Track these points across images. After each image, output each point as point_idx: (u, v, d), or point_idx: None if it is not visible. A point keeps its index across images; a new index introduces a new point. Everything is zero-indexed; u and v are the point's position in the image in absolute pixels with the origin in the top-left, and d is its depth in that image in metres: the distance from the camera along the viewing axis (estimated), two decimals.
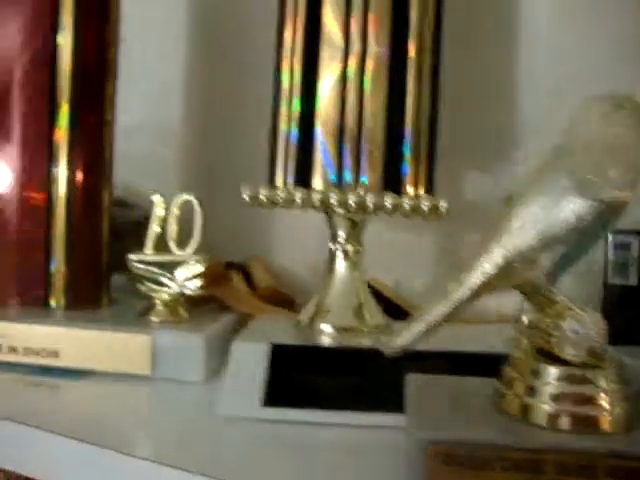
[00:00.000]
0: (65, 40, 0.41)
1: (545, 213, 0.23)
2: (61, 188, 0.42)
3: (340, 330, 0.35)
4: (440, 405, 0.24)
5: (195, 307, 0.42)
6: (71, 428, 0.29)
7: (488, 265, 0.23)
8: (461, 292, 0.24)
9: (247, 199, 0.34)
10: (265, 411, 0.29)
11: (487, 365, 0.26)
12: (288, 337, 0.34)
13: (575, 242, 0.23)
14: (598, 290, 0.43)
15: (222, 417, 0.30)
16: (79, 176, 0.42)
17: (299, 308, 0.51)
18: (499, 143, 0.50)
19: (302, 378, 0.31)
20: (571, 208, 0.22)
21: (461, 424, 0.23)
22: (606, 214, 0.23)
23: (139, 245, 0.40)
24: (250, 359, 0.31)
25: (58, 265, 0.42)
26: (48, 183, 0.41)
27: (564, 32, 0.49)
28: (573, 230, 0.23)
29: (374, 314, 0.37)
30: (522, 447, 0.21)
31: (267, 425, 0.29)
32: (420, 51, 0.35)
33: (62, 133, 0.41)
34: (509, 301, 0.27)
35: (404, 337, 0.24)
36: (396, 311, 0.50)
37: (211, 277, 0.46)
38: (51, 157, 0.41)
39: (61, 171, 0.41)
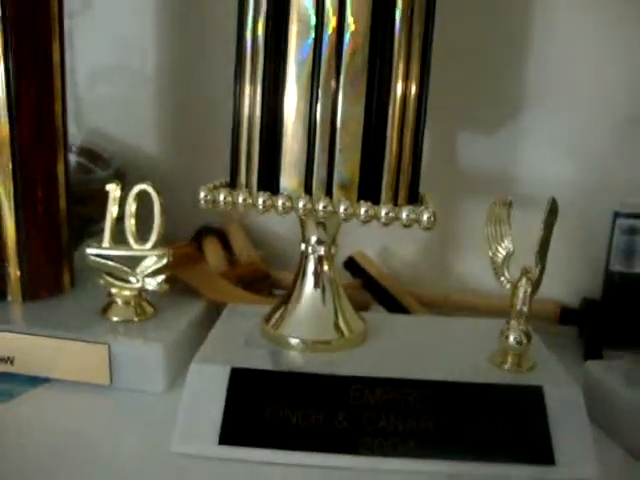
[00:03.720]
0: None
1: None
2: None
3: (312, 345, 0.34)
4: None
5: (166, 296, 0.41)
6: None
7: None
8: None
9: (203, 203, 0.32)
10: (221, 450, 0.29)
11: None
12: (252, 355, 0.33)
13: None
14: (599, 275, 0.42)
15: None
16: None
17: (274, 283, 0.51)
18: (501, 110, 0.47)
19: (264, 409, 0.30)
20: None
21: None
22: None
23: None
24: (208, 386, 0.30)
25: (9, 251, 0.41)
26: None
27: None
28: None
29: (351, 323, 0.36)
30: None
31: (223, 463, 0.29)
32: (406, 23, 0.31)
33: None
34: None
35: None
36: (379, 291, 0.49)
37: (181, 258, 0.45)
38: None
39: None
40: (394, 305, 0.48)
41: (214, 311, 0.43)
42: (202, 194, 0.32)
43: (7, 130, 0.39)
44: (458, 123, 0.48)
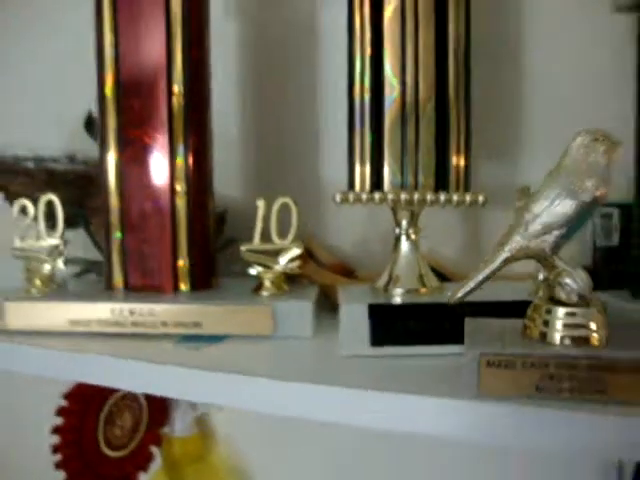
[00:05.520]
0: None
1: (547, 211, 0.39)
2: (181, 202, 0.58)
3: (409, 292, 0.52)
4: (487, 335, 0.41)
5: (291, 282, 0.59)
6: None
7: (512, 246, 0.40)
8: (496, 263, 0.41)
9: (338, 200, 0.51)
10: (373, 350, 0.47)
11: (518, 309, 0.43)
12: (374, 299, 0.51)
13: (568, 227, 0.39)
14: (589, 250, 0.60)
15: (341, 356, 0.47)
16: (192, 192, 0.59)
17: (357, 276, 0.69)
18: (515, 138, 0.66)
19: (394, 325, 0.48)
20: (564, 206, 0.39)
21: (500, 344, 0.40)
22: (586, 208, 0.39)
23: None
24: (356, 315, 0.48)
25: (183, 259, 0.59)
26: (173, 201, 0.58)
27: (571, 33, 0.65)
28: (566, 220, 0.39)
29: (432, 279, 0.54)
30: (535, 354, 0.38)
31: (375, 360, 0.47)
32: (456, 59, 0.51)
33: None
34: (529, 266, 0.44)
35: (460, 292, 0.41)
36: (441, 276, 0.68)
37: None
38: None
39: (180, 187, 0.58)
40: None
41: (322, 293, 0.61)
42: (338, 197, 0.51)
43: None
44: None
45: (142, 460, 0.80)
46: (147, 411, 0.80)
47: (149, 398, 0.80)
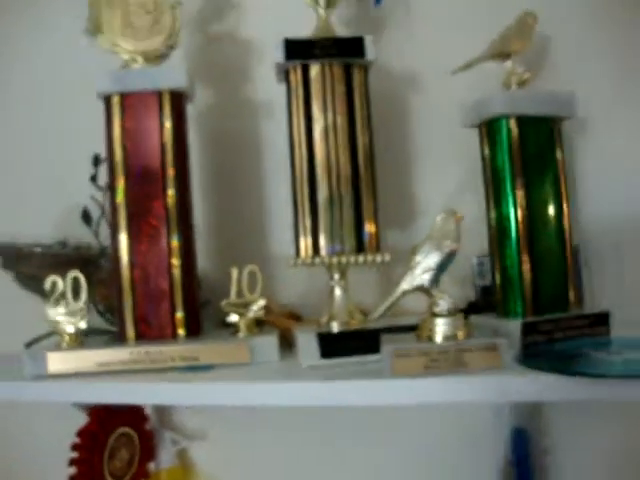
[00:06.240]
0: None
1: (423, 260, 0.65)
2: (176, 272, 0.81)
3: (342, 324, 0.77)
4: (395, 340, 0.66)
5: (258, 327, 0.82)
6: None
7: (405, 286, 0.66)
8: (396, 294, 0.66)
9: (292, 264, 0.76)
10: (322, 360, 0.71)
11: (412, 329, 0.68)
12: (320, 329, 0.75)
13: (436, 270, 0.65)
14: (472, 288, 0.87)
15: (301, 367, 0.71)
16: (184, 264, 0.82)
17: (303, 320, 0.93)
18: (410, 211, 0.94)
19: (335, 344, 0.72)
20: (433, 257, 0.65)
21: (404, 343, 0.64)
22: (446, 258, 0.65)
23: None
24: (309, 340, 0.72)
25: (180, 312, 0.81)
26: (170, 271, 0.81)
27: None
28: (435, 266, 0.65)
29: (357, 315, 0.78)
30: (425, 347, 0.63)
31: (324, 367, 0.70)
32: (365, 161, 0.78)
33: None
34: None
35: (377, 313, 0.66)
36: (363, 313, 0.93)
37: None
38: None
39: (176, 261, 0.81)
40: None
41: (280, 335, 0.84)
42: (291, 262, 0.76)
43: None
44: None
45: None
46: (139, 448, 0.99)
47: (141, 437, 1.00)
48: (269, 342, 0.77)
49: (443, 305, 0.65)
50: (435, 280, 0.66)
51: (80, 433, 0.90)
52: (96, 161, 0.95)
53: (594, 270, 0.94)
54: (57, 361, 0.77)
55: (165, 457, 1.02)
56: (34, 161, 1.08)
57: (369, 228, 0.79)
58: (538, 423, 0.93)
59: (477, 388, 0.61)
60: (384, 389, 0.63)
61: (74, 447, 0.89)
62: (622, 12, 0.95)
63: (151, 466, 1.02)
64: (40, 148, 1.08)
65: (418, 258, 0.66)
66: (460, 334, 0.64)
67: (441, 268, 0.66)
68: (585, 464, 0.92)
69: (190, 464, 1.05)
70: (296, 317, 0.94)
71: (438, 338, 0.64)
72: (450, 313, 0.65)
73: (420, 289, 0.66)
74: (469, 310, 0.88)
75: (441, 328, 0.65)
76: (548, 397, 0.62)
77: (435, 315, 0.65)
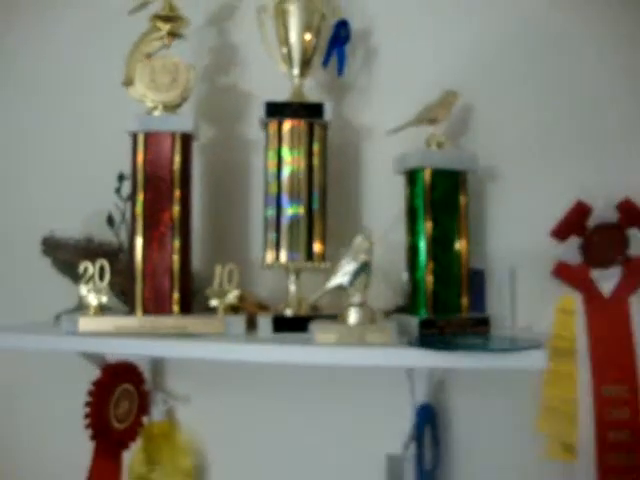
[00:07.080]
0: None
1: (344, 266, 0.96)
2: (176, 265, 1.12)
3: (294, 311, 1.07)
4: (322, 322, 0.97)
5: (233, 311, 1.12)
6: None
7: (333, 281, 0.97)
8: (327, 288, 0.97)
9: (262, 266, 1.07)
10: (274, 335, 1.01)
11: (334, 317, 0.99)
12: (276, 314, 1.06)
13: (353, 274, 0.96)
14: (400, 295, 1.18)
15: (259, 337, 1.01)
16: (182, 260, 1.12)
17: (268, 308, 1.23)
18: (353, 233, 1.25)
19: (285, 324, 1.03)
20: (350, 265, 0.96)
21: (325, 324, 0.95)
22: (360, 266, 0.96)
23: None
24: (267, 322, 1.03)
25: (176, 294, 1.12)
26: (171, 264, 1.12)
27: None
28: (351, 271, 0.96)
29: (305, 305, 1.09)
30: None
31: (275, 338, 1.01)
32: (319, 192, 1.09)
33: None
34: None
35: (312, 299, 0.98)
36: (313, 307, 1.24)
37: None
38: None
39: (176, 257, 1.12)
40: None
41: (249, 318, 1.14)
42: (262, 265, 1.07)
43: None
44: None
45: (133, 433, 1.28)
46: (137, 403, 1.29)
47: (139, 394, 1.30)
48: (239, 320, 1.08)
49: (355, 299, 0.95)
50: (352, 281, 0.97)
51: (95, 383, 1.20)
52: (120, 178, 1.27)
53: (494, 287, 1.24)
54: (86, 323, 1.07)
55: (156, 413, 1.32)
56: (73, 174, 1.40)
57: (318, 243, 1.10)
58: (442, 399, 1.23)
59: (371, 355, 0.92)
60: (311, 352, 0.93)
61: (90, 393, 1.19)
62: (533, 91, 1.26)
63: (145, 419, 1.32)
64: (78, 164, 1.40)
65: (341, 264, 0.96)
66: (365, 319, 0.95)
67: (357, 273, 0.96)
68: (482, 432, 1.21)
69: (175, 420, 1.35)
70: (263, 306, 1.24)
71: (350, 321, 0.95)
72: (360, 305, 0.95)
73: (340, 287, 0.97)
74: (396, 310, 1.18)
75: (352, 314, 0.95)
76: (419, 364, 0.92)
77: (350, 305, 0.96)
